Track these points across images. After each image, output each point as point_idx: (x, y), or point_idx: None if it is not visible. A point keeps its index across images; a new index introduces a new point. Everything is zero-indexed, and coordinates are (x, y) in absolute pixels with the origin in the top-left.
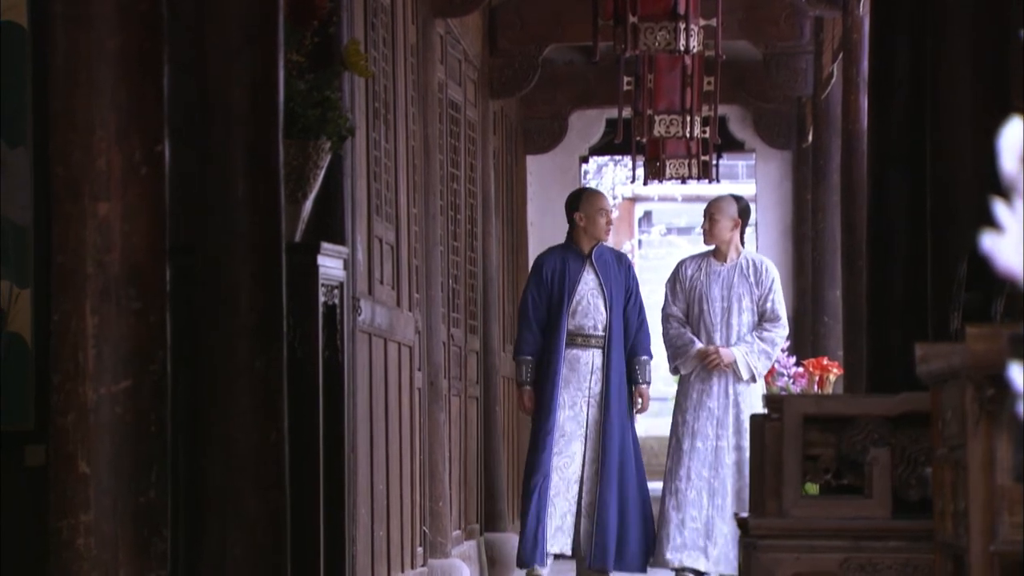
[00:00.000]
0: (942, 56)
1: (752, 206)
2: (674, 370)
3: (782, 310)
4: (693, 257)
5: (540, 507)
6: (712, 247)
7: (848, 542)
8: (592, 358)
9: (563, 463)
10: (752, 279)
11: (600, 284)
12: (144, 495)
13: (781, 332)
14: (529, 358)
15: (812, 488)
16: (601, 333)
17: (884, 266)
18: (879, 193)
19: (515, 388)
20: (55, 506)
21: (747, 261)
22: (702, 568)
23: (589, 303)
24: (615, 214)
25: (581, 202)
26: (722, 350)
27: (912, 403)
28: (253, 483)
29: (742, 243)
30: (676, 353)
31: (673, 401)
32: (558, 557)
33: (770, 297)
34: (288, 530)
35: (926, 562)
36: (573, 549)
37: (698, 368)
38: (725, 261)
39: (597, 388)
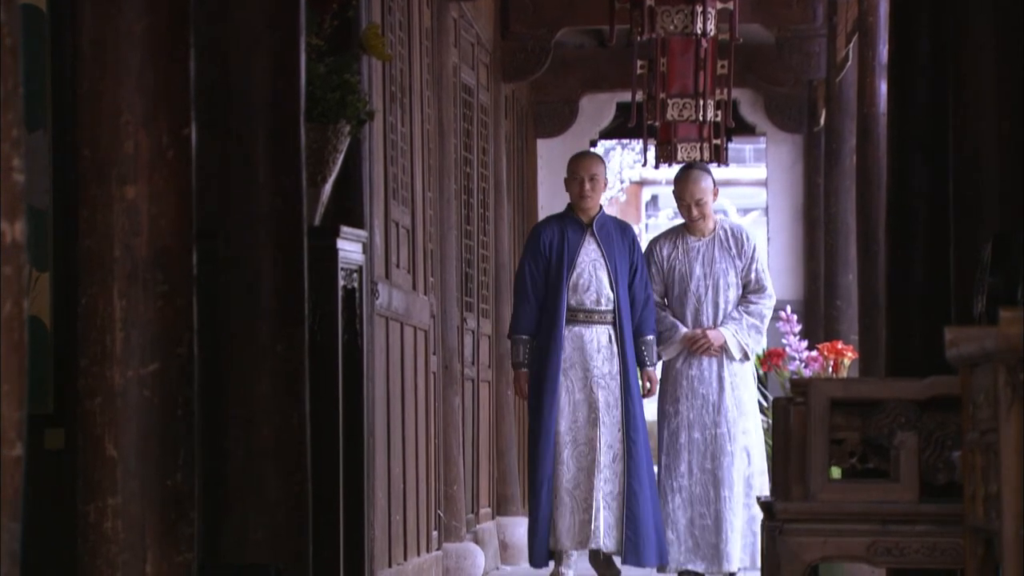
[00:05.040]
0: (964, 38)
1: (763, 190)
2: (657, 356)
3: (767, 279)
4: (666, 234)
5: (553, 504)
6: (683, 220)
7: (875, 526)
8: (597, 335)
9: (579, 452)
10: (734, 250)
11: (603, 255)
12: (171, 478)
13: (768, 303)
14: (526, 337)
15: (834, 472)
16: (605, 308)
17: (904, 250)
18: (899, 177)
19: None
20: (82, 489)
21: (725, 231)
22: (717, 569)
23: (591, 276)
24: (622, 198)
25: (567, 167)
26: (710, 333)
27: (941, 387)
28: (275, 467)
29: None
30: (658, 339)
31: None
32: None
33: (753, 267)
34: (310, 513)
35: (954, 546)
36: (607, 549)
37: (684, 353)
38: (702, 235)
39: (607, 368)
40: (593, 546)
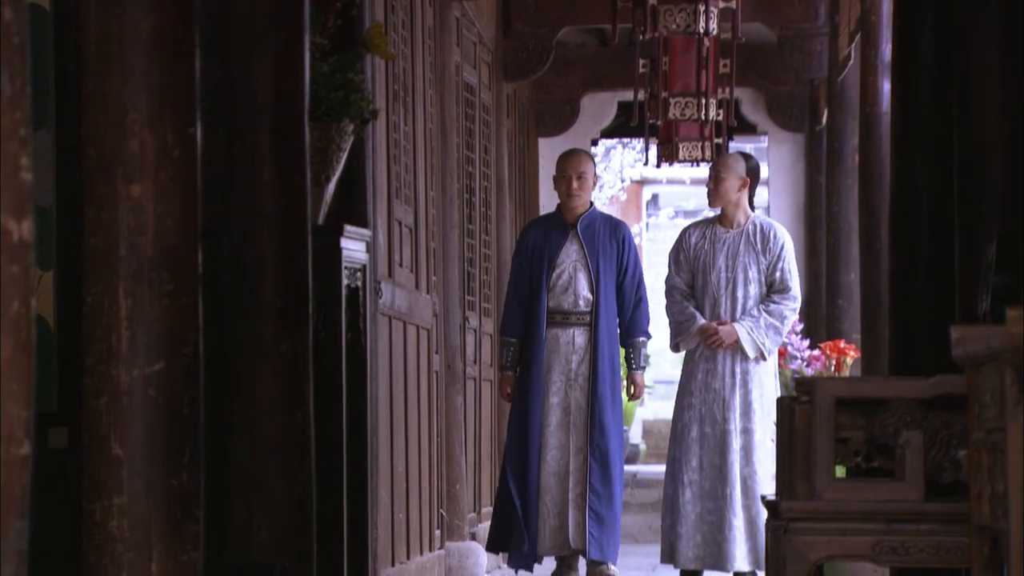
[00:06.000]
0: (967, 37)
1: (764, 189)
2: (675, 347)
3: (793, 280)
4: (698, 224)
5: (526, 505)
6: (718, 212)
7: (881, 525)
8: (573, 337)
9: (551, 456)
10: (759, 246)
11: (584, 256)
12: (177, 477)
13: (790, 304)
14: (513, 340)
15: (839, 471)
16: (583, 309)
17: (907, 249)
18: (902, 176)
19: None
20: (88, 488)
21: (755, 226)
22: (724, 568)
23: (571, 277)
24: (622, 197)
25: (556, 165)
26: (723, 328)
27: (946, 386)
28: (279, 466)
29: (751, 206)
30: (678, 329)
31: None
32: (559, 558)
33: (779, 266)
34: (314, 513)
35: (959, 545)
36: (574, 547)
37: (702, 346)
38: (732, 227)
39: (581, 370)
40: (567, 551)
